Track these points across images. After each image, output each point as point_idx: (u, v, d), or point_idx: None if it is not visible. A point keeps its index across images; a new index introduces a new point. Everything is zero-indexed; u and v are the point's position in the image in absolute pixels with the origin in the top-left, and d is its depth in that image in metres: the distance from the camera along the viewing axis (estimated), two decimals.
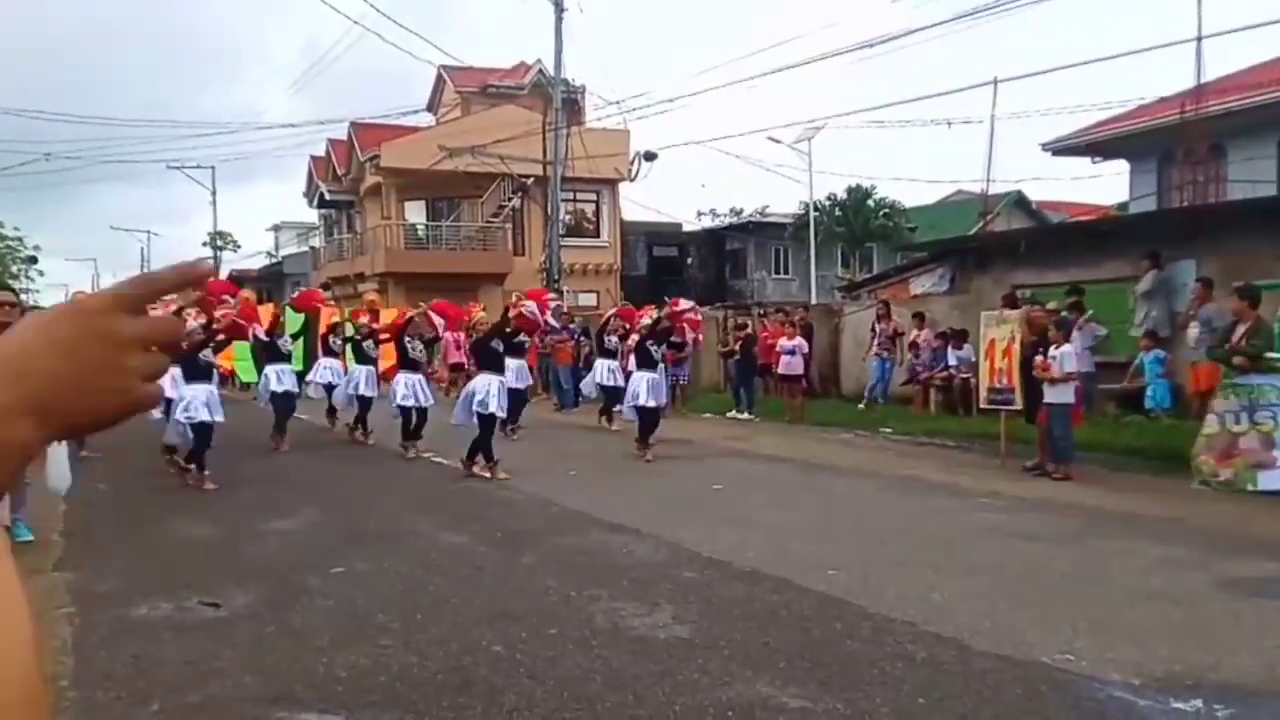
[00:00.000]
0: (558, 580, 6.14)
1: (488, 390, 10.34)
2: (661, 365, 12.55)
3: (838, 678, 4.39)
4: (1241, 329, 9.40)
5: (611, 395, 14.58)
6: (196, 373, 9.88)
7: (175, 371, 10.13)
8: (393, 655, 4.77)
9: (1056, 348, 10.18)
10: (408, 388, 12.03)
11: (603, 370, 15.09)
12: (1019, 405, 10.67)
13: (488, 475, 10.21)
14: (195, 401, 9.70)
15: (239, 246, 56.85)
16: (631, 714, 4.02)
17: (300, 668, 4.62)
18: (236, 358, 15.27)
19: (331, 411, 14.72)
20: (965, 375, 14.75)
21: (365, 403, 13.50)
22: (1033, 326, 10.86)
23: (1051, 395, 10.11)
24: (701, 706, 4.09)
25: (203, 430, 9.76)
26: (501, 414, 10.72)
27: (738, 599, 5.70)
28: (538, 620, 5.28)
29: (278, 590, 6.04)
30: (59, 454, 6.43)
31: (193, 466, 9.97)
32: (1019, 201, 33.77)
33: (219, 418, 9.92)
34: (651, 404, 11.78)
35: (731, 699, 4.16)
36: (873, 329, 17.20)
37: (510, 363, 11.79)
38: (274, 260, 50.66)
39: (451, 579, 6.24)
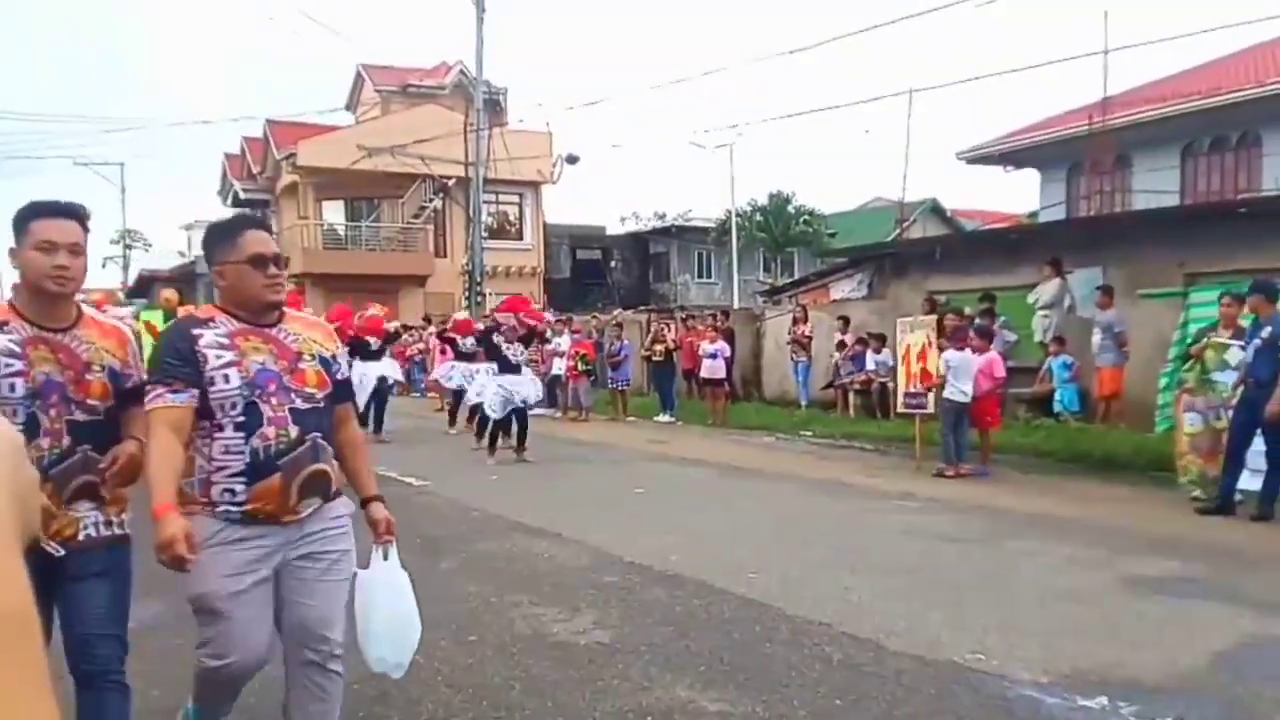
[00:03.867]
0: (477, 586, 6.09)
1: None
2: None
3: (756, 680, 4.43)
4: (1226, 332, 8.92)
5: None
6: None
7: None
8: None
9: (959, 349, 10.50)
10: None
11: (455, 373, 14.95)
12: (932, 409, 10.91)
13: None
14: None
15: (150, 246, 55.24)
16: None
17: None
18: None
19: None
20: (884, 379, 15.03)
21: None
22: (945, 330, 11.14)
23: (946, 394, 10.46)
24: (621, 712, 4.08)
25: None
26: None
27: (659, 603, 5.71)
28: (456, 627, 5.22)
29: (185, 603, 5.86)
30: None
31: None
32: (934, 208, 34.56)
33: None
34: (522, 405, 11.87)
35: (651, 704, 4.16)
36: (789, 332, 17.54)
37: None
38: (186, 260, 49.30)
39: None
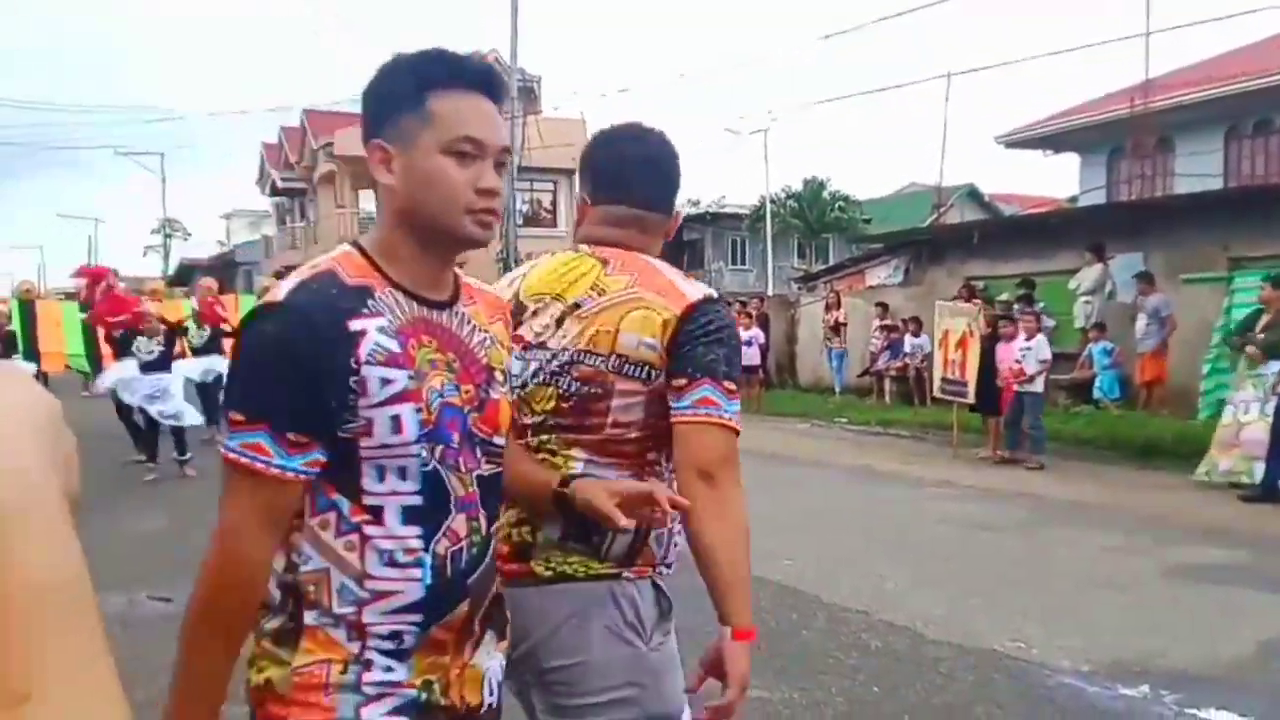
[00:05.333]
0: None
1: None
2: None
3: (793, 667, 4.43)
4: (1265, 318, 8.87)
5: None
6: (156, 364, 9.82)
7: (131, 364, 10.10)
8: None
9: (1029, 339, 10.29)
10: None
11: None
12: (971, 398, 10.79)
13: None
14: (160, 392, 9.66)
15: (189, 235, 56.06)
16: None
17: None
18: (69, 350, 13.69)
19: None
20: (920, 366, 14.93)
21: None
22: (995, 326, 11.00)
23: (1026, 385, 10.25)
24: None
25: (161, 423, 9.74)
26: None
27: (694, 590, 5.66)
28: None
29: None
30: None
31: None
32: (972, 194, 34.18)
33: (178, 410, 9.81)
34: None
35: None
36: (823, 320, 17.48)
37: None
38: (225, 249, 49.94)
39: None
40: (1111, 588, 5.71)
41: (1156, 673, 4.32)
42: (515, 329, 1.84)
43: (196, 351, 11.32)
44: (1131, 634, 4.85)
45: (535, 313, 1.90)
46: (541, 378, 1.86)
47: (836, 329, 16.97)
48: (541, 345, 1.87)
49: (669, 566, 1.92)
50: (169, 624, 5.43)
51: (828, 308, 17.40)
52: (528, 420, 1.87)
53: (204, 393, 11.03)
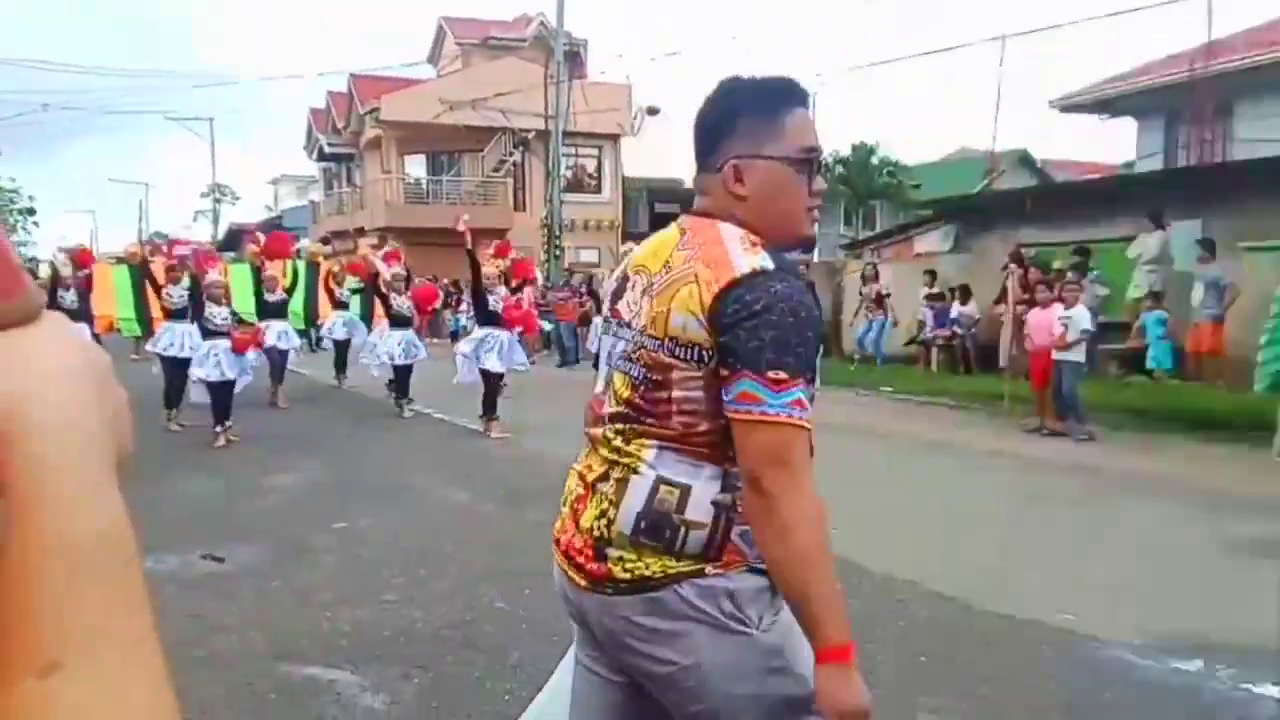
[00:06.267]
0: None
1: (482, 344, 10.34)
2: None
3: None
4: None
5: None
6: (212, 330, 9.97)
7: (191, 328, 10.27)
8: (397, 611, 4.79)
9: (1067, 308, 10.12)
10: (400, 344, 11.87)
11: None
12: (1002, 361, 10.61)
13: (490, 433, 10.23)
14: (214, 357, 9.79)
15: (238, 199, 56.67)
16: None
17: (305, 623, 4.64)
18: (120, 315, 13.49)
19: (341, 367, 14.63)
20: (968, 333, 14.75)
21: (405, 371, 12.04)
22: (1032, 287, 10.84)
23: (1063, 354, 10.09)
24: None
25: (221, 388, 9.89)
26: (501, 368, 10.61)
27: None
28: (542, 577, 5.24)
29: (281, 546, 6.06)
30: None
31: (220, 426, 9.94)
32: (1024, 159, 33.52)
33: (233, 375, 9.94)
34: None
35: None
36: (859, 292, 17.27)
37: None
38: (273, 214, 50.42)
39: (455, 535, 6.26)
40: (1165, 560, 5.62)
41: (1211, 647, 4.25)
42: (614, 303, 1.82)
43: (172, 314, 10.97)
44: (1185, 608, 4.77)
45: (632, 286, 1.79)
46: (623, 361, 1.77)
47: (879, 301, 16.76)
48: (628, 324, 1.77)
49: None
50: (221, 583, 5.49)
51: (864, 280, 17.18)
52: (609, 409, 1.79)
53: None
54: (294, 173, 51.81)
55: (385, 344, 11.99)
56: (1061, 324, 10.06)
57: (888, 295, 16.73)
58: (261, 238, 13.59)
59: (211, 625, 4.60)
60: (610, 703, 1.93)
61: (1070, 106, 22.72)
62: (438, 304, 13.32)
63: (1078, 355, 10.12)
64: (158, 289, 11.27)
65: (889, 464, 8.95)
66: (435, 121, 29.56)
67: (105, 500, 0.46)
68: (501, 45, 33.14)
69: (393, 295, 12.21)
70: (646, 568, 1.69)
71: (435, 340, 18.69)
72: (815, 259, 26.46)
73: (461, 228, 10.40)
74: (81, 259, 13.16)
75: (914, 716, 3.63)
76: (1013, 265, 12.72)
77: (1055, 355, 10.11)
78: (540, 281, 18.16)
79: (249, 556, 5.84)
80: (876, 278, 17.05)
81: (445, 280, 23.10)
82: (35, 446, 0.43)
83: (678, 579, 1.68)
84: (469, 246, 10.40)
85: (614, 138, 32.70)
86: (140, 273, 12.21)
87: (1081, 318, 10.07)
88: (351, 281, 14.47)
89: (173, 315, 10.86)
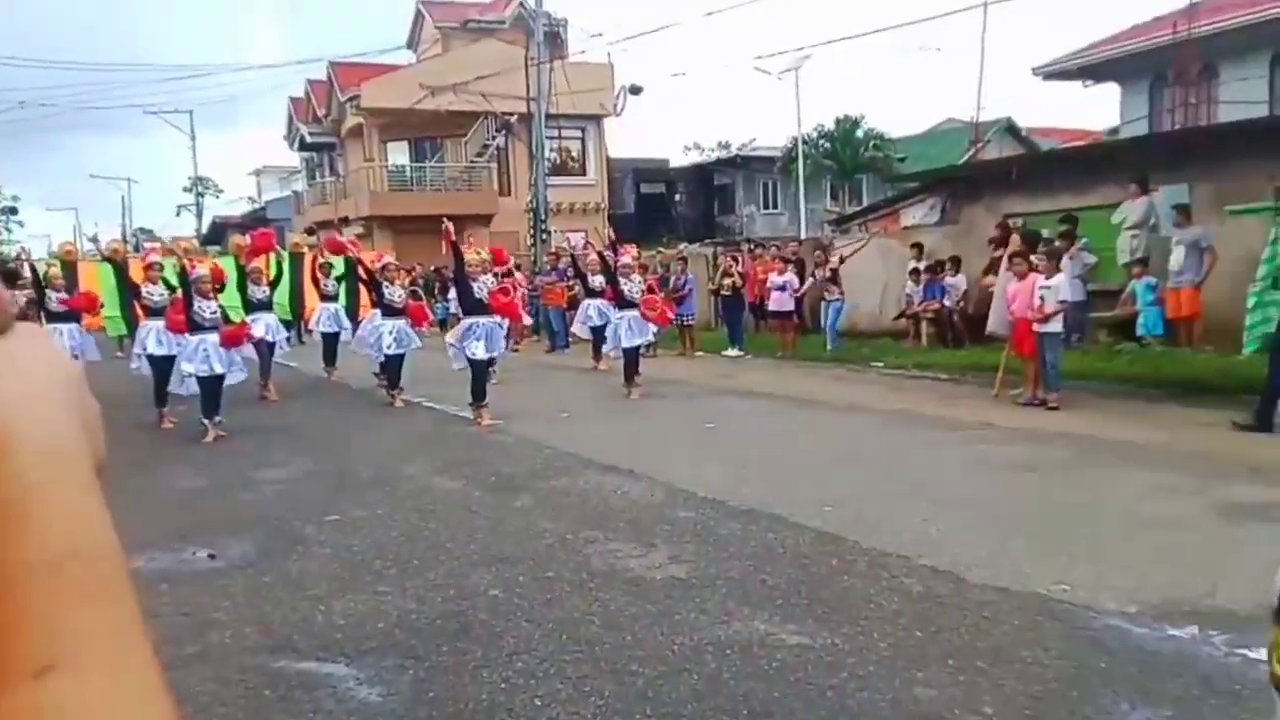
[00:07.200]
0: (553, 523, 6.14)
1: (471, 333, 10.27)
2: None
3: (835, 613, 4.41)
4: None
5: (600, 336, 14.35)
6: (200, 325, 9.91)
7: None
8: (391, 601, 4.77)
9: (1047, 278, 10.10)
10: (392, 334, 11.75)
11: (590, 311, 14.73)
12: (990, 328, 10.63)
13: (480, 421, 10.18)
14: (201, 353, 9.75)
15: (221, 192, 56.27)
16: (630, 654, 4.03)
17: (298, 617, 4.62)
18: (106, 312, 13.05)
19: (330, 359, 14.50)
20: (957, 306, 14.73)
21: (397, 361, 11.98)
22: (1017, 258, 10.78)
23: (1043, 325, 10.07)
24: (700, 645, 4.09)
25: (210, 383, 9.85)
26: (488, 355, 10.53)
27: (733, 537, 5.70)
28: (534, 563, 5.28)
29: (273, 539, 6.03)
30: None
31: (209, 421, 9.89)
32: (1009, 128, 33.46)
33: (222, 369, 9.89)
34: (637, 342, 11.83)
35: (729, 637, 4.17)
36: (812, 274, 17.04)
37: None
38: (256, 206, 50.09)
39: (447, 524, 6.23)
40: (1158, 528, 5.63)
41: (1205, 613, 4.25)
42: None
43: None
44: (1179, 574, 4.77)
45: None
46: None
47: (834, 279, 16.29)
48: None
49: None
50: (213, 578, 5.48)
51: (818, 264, 16.76)
52: None
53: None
54: (276, 163, 51.45)
55: (376, 333, 11.86)
56: (1040, 295, 10.05)
57: (835, 268, 16.29)
58: (247, 239, 13.44)
59: (204, 621, 4.57)
60: None
61: (1054, 73, 22.70)
62: (426, 326, 13.27)
63: (1055, 326, 10.11)
64: (135, 289, 11.19)
65: (881, 439, 8.94)
66: (417, 107, 29.34)
67: (87, 511, 0.46)
68: (481, 27, 32.87)
69: (385, 285, 12.09)
70: None
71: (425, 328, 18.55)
72: (804, 235, 26.45)
73: (449, 235, 10.66)
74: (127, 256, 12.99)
75: (910, 691, 3.62)
76: (1002, 249, 12.54)
77: (1035, 328, 10.09)
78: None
79: (241, 551, 5.81)
80: (827, 260, 16.70)
81: (430, 267, 23.00)
82: (15, 462, 0.44)
83: None
84: (452, 239, 10.51)
85: (597, 118, 32.51)
86: (123, 270, 12.08)
87: (1060, 288, 10.05)
88: (337, 270, 14.34)
89: (153, 314, 10.82)
